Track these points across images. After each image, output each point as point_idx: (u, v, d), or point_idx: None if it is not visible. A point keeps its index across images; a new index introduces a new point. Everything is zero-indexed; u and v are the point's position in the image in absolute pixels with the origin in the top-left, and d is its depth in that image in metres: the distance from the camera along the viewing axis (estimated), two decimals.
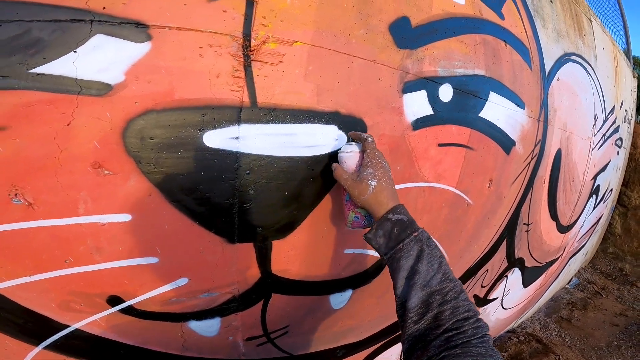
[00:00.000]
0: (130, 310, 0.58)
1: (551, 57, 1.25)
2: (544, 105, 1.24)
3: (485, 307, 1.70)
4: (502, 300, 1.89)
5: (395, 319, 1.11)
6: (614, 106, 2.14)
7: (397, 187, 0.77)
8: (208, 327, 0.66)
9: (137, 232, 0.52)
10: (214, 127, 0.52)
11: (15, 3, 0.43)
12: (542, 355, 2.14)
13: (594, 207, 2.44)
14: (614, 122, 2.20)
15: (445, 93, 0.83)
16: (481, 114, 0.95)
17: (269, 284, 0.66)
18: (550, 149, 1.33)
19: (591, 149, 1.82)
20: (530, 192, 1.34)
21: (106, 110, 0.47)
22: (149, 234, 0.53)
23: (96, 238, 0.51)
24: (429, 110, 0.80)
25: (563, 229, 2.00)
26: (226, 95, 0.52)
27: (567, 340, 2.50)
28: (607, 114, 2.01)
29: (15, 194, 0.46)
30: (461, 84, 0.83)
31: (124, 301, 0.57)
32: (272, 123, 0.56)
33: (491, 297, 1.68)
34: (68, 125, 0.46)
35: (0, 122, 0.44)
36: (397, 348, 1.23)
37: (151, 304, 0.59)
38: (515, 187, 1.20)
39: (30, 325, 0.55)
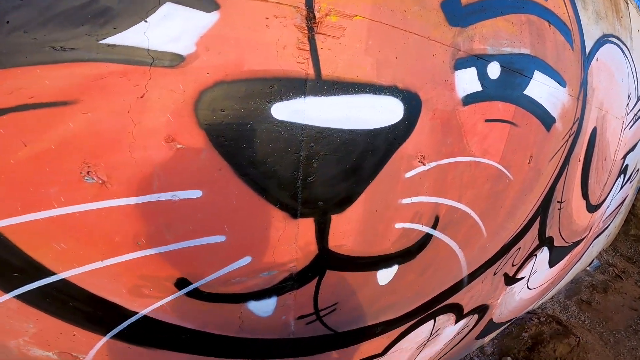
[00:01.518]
0: (195, 293, 0.61)
1: (591, 37, 1.30)
2: (584, 84, 1.28)
3: (512, 286, 1.78)
4: (528, 279, 1.98)
5: (429, 296, 1.18)
6: None
7: (447, 160, 0.82)
8: (265, 307, 0.69)
9: (207, 208, 0.54)
10: (281, 99, 0.54)
11: None
12: (563, 336, 2.30)
13: (621, 187, 2.56)
14: None
15: (494, 70, 0.88)
16: (526, 92, 0.99)
17: (325, 260, 0.70)
18: (587, 127, 1.42)
19: (623, 128, 1.91)
20: (566, 169, 1.43)
21: (179, 81, 0.48)
22: (218, 211, 0.55)
23: (168, 216, 0.53)
24: (478, 87, 0.84)
25: (592, 208, 2.11)
26: (293, 67, 0.54)
27: (586, 323, 2.66)
28: (639, 94, 2.13)
29: (88, 172, 0.47)
30: (508, 62, 0.88)
31: (191, 283, 0.59)
32: (335, 95, 0.58)
33: (519, 276, 1.75)
34: (142, 97, 0.47)
35: (70, 95, 0.44)
36: (429, 325, 1.31)
37: (215, 285, 0.61)
38: (552, 164, 1.28)
39: (100, 314, 0.57)
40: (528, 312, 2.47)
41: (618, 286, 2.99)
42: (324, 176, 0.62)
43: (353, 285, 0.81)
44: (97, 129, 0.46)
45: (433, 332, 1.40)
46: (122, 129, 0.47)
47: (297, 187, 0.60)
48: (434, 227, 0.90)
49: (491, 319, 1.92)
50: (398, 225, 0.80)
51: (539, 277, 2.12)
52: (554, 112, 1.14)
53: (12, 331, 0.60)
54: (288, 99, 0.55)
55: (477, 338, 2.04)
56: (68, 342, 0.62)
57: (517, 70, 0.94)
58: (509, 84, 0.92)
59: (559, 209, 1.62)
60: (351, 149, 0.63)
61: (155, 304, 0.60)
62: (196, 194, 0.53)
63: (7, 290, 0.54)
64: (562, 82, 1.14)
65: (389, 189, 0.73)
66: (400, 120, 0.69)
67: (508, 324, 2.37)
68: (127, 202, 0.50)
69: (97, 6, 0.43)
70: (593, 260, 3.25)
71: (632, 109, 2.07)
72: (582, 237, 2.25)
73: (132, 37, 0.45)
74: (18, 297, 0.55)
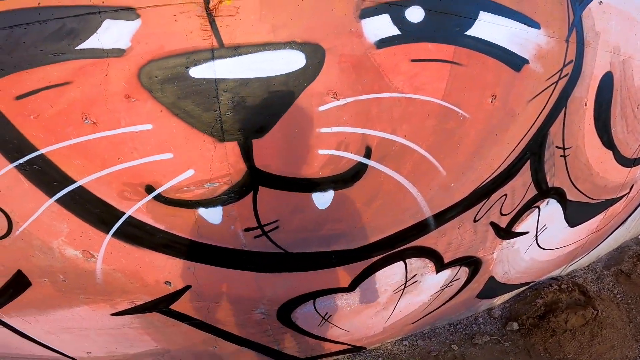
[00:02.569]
0: (159, 197, 0.92)
1: None
2: (576, 26, 1.31)
3: (511, 240, 1.78)
4: (536, 236, 1.92)
5: (387, 232, 1.32)
6: None
7: (366, 96, 0.98)
8: (213, 215, 0.99)
9: (157, 135, 0.86)
10: (196, 65, 0.88)
11: (50, 7, 0.76)
12: (580, 307, 2.24)
13: None
14: None
15: (414, 14, 1.01)
16: (469, 32, 1.11)
17: (255, 177, 0.96)
18: (591, 70, 1.42)
19: None
20: (564, 113, 1.43)
21: (125, 64, 0.78)
22: (164, 137, 0.87)
23: (133, 141, 0.85)
24: (394, 31, 0.99)
25: (627, 161, 1.93)
26: (200, 43, 0.87)
27: (618, 296, 2.53)
28: None
29: (86, 118, 0.81)
30: (435, 5, 1.02)
31: (155, 189, 0.89)
32: (237, 56, 0.87)
33: (518, 229, 1.75)
34: (106, 76, 0.79)
35: (67, 79, 0.78)
36: (399, 267, 1.43)
37: (172, 191, 0.93)
38: (535, 106, 1.32)
39: (103, 214, 0.92)
40: (552, 278, 2.38)
41: None
42: (239, 112, 0.92)
43: (289, 204, 1.06)
44: (87, 94, 0.81)
45: (408, 276, 1.51)
46: (99, 93, 0.81)
47: (218, 119, 0.89)
48: (367, 156, 1.06)
49: (492, 277, 1.93)
50: (322, 152, 1.02)
51: (556, 235, 2.05)
52: (524, 53, 1.21)
53: (55, 232, 1.00)
54: (201, 64, 0.88)
55: (480, 297, 2.03)
56: (87, 240, 0.99)
57: (451, 12, 1.02)
58: (439, 26, 1.04)
59: (563, 156, 1.60)
60: (258, 92, 0.93)
61: (135, 205, 0.93)
62: (148, 127, 0.86)
63: (51, 195, 0.92)
64: (531, 24, 1.21)
65: (303, 119, 0.98)
66: (303, 66, 0.92)
67: (524, 287, 2.28)
68: (109, 134, 0.88)
69: (66, 28, 0.77)
70: None
71: None
72: (619, 195, 2.09)
73: (92, 43, 0.79)
74: (57, 201, 0.92)
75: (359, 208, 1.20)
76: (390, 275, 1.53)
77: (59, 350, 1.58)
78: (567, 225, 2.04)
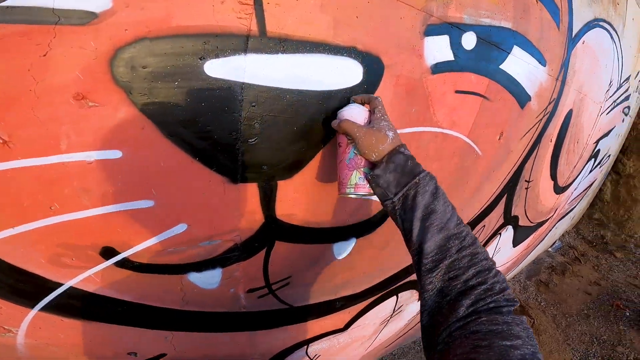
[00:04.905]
0: (126, 263, 0.63)
1: (581, 19, 1.32)
2: (565, 65, 1.33)
3: None
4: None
5: (391, 272, 1.28)
6: (629, 75, 2.39)
7: (410, 130, 0.85)
8: (209, 279, 0.73)
9: (129, 170, 0.55)
10: (217, 56, 0.53)
11: None
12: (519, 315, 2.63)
13: (590, 171, 2.74)
14: (626, 90, 2.46)
15: (469, 41, 0.87)
16: (502, 66, 1.01)
17: (273, 230, 0.73)
18: (563, 108, 1.51)
19: (600, 113, 2.03)
20: (537, 149, 1.52)
21: (89, 39, 0.47)
22: (142, 173, 0.56)
23: (83, 179, 0.53)
24: (450, 56, 0.84)
25: (559, 189, 2.29)
26: (232, 22, 0.51)
27: (542, 304, 2.93)
28: (621, 82, 2.24)
29: None
30: (486, 34, 0.88)
31: (119, 253, 0.62)
32: (282, 53, 0.58)
33: None
34: (44, 56, 0.45)
35: None
36: (391, 302, 1.43)
37: (148, 254, 0.64)
38: (523, 142, 1.35)
39: (22, 286, 0.58)
40: None
41: (576, 269, 3.31)
42: (269, 139, 0.63)
43: (307, 258, 0.86)
44: None
45: (396, 308, 1.53)
46: (23, 87, 0.46)
47: (237, 148, 0.62)
48: None
49: None
50: (354, 195, 0.84)
51: (503, 255, 2.33)
52: (531, 90, 1.18)
53: None
54: (225, 56, 0.54)
55: None
56: None
57: (495, 43, 0.95)
58: (484, 57, 0.92)
59: (527, 188, 1.76)
60: (300, 110, 0.63)
61: (80, 275, 0.62)
62: (115, 154, 0.53)
63: None
64: (542, 61, 1.17)
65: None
66: (359, 83, 0.69)
67: None
68: (34, 163, 0.50)
69: None
70: (555, 241, 3.48)
71: (612, 95, 2.22)
72: (547, 218, 2.44)
73: None
74: None
75: (374, 254, 1.10)
76: (382, 311, 1.52)
77: None
78: (512, 246, 2.43)
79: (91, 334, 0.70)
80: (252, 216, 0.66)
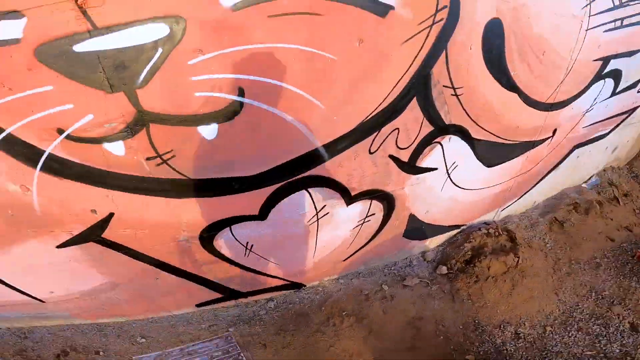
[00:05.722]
0: (70, 137, 1.38)
1: None
2: None
3: (420, 176, 2.22)
4: (448, 174, 2.32)
5: (284, 160, 1.72)
6: None
7: (229, 50, 1.40)
8: (116, 147, 1.48)
9: (58, 93, 1.32)
10: (78, 42, 1.27)
11: None
12: (503, 254, 2.45)
13: (613, 94, 2.61)
14: None
15: None
16: None
17: (144, 116, 1.41)
18: (471, 16, 1.74)
19: (584, 28, 2.05)
20: (444, 54, 1.80)
21: (23, 47, 1.18)
22: (64, 94, 1.36)
23: (41, 98, 1.29)
24: None
25: (540, 105, 2.28)
26: (78, 28, 1.26)
27: (548, 245, 2.70)
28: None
29: (3, 86, 1.20)
30: None
31: (64, 131, 1.32)
32: (111, 33, 1.28)
33: (423, 164, 2.18)
34: (11, 57, 1.19)
35: None
36: (303, 196, 1.85)
37: (79, 132, 1.39)
38: (409, 47, 1.70)
39: (29, 154, 1.44)
40: (485, 223, 2.70)
41: (608, 210, 2.94)
42: (121, 72, 1.35)
43: (179, 136, 1.51)
44: (2, 71, 1.20)
45: (317, 207, 1.93)
46: (10, 69, 1.21)
47: (105, 78, 1.32)
48: (241, 95, 1.46)
49: (413, 215, 2.33)
50: (198, 94, 1.42)
51: (472, 175, 2.43)
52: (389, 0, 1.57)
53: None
54: (81, 42, 1.26)
55: (408, 237, 2.45)
56: (22, 176, 1.46)
57: None
58: None
59: (455, 95, 1.97)
60: (134, 56, 1.33)
61: (51, 144, 1.36)
62: (49, 87, 1.28)
63: None
64: None
65: (177, 70, 1.43)
66: (169, 32, 1.33)
67: (457, 230, 2.72)
68: (30, 94, 1.25)
69: None
70: (592, 176, 3.19)
71: (612, 10, 2.09)
72: (539, 138, 2.46)
73: None
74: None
75: (245, 138, 1.63)
76: (297, 205, 1.96)
77: (26, 292, 2.06)
78: (482, 164, 2.41)
79: (66, 191, 1.54)
80: (128, 108, 1.45)
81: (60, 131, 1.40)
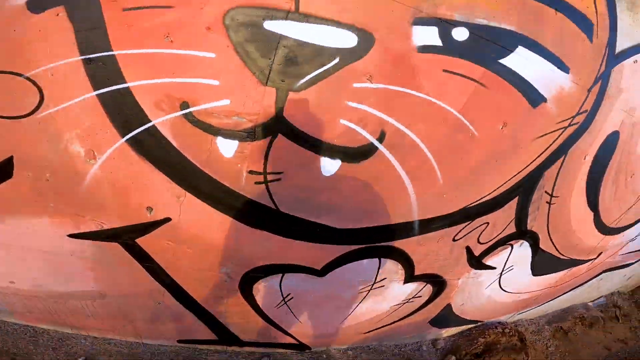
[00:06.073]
0: (189, 116, 1.17)
1: (631, 39, 1.54)
2: (602, 79, 1.55)
3: (478, 272, 2.09)
4: (500, 275, 2.23)
5: (373, 222, 1.53)
6: None
7: (395, 88, 1.27)
8: (228, 147, 1.24)
9: (215, 64, 1.12)
10: (271, 19, 1.12)
11: None
12: (514, 352, 2.58)
13: None
14: None
15: (460, 34, 1.29)
16: (502, 61, 1.37)
17: (279, 123, 1.20)
18: (602, 125, 1.68)
19: None
20: (563, 160, 1.71)
21: (218, 4, 1.04)
22: (220, 67, 1.12)
23: (193, 62, 1.09)
24: (438, 42, 1.26)
25: (604, 228, 2.21)
26: (284, 4, 1.11)
27: (550, 349, 2.92)
28: None
29: (167, 36, 1.05)
30: (481, 31, 1.29)
31: (189, 107, 1.09)
32: (307, 23, 1.14)
33: (488, 262, 2.05)
34: (201, 9, 1.04)
35: (171, 3, 0.92)
36: (372, 263, 1.64)
37: (202, 114, 1.13)
38: (539, 145, 1.61)
39: (131, 117, 1.15)
40: (499, 322, 2.74)
41: (608, 325, 3.21)
42: (288, 66, 1.16)
43: (299, 158, 1.32)
44: (178, 19, 0.95)
45: (378, 277, 1.73)
46: (188, 21, 1.04)
47: (269, 66, 1.16)
48: (380, 140, 1.30)
49: (449, 305, 2.20)
50: (343, 122, 1.25)
51: (518, 280, 2.36)
52: (545, 92, 1.49)
53: (75, 123, 1.18)
54: (275, 20, 1.12)
55: (432, 323, 2.30)
56: (100, 139, 1.22)
57: (492, 39, 1.33)
58: (478, 49, 1.32)
59: (549, 203, 1.87)
60: (310, 55, 1.18)
61: (164, 117, 1.16)
62: (212, 55, 1.09)
63: (96, 89, 1.12)
64: (562, 67, 1.46)
65: (338, 89, 1.26)
66: (354, 46, 1.19)
67: (472, 325, 2.64)
68: (187, 53, 1.08)
69: None
70: (600, 297, 3.36)
71: None
72: (586, 258, 2.43)
73: None
74: (99, 95, 1.13)
75: (358, 187, 1.43)
76: (362, 270, 1.74)
77: None
78: (530, 272, 2.32)
79: (137, 175, 1.24)
80: (268, 109, 1.17)
81: (184, 106, 1.15)
